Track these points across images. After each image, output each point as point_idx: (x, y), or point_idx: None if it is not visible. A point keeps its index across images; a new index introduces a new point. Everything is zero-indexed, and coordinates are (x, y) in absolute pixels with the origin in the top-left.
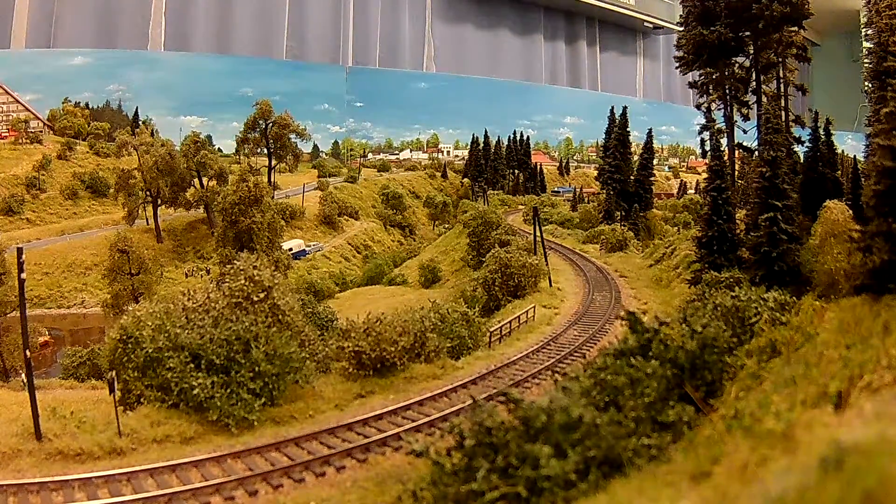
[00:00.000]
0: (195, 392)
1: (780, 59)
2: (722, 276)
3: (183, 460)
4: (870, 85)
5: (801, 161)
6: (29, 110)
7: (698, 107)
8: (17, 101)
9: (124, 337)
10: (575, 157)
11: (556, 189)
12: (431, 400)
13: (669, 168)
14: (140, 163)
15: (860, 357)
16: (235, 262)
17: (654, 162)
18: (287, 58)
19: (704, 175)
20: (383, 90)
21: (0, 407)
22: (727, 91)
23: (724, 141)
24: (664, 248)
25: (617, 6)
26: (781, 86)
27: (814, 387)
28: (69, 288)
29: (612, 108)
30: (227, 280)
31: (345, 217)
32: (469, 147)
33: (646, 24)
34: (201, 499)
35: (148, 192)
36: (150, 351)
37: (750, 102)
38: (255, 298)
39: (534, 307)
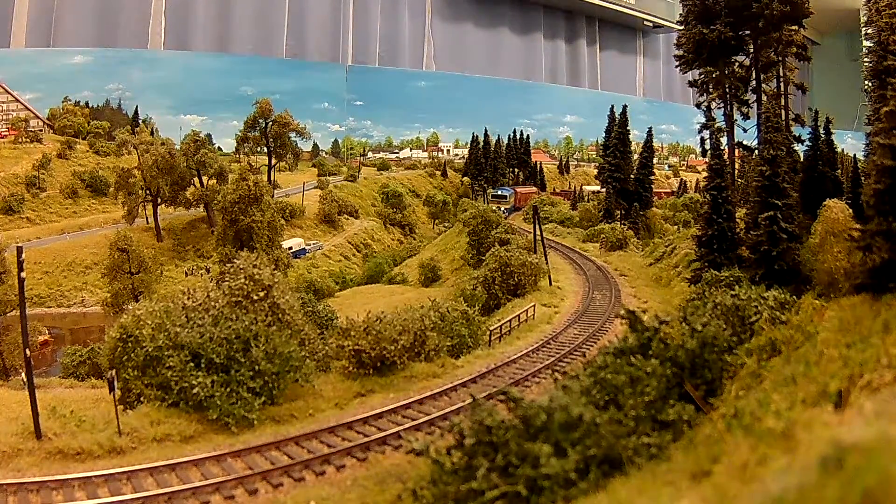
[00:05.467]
0: (195, 391)
1: (780, 58)
2: (722, 275)
3: (183, 459)
4: (870, 84)
5: (801, 160)
6: (29, 109)
7: (698, 105)
8: (17, 100)
9: (124, 336)
10: (575, 156)
11: (496, 193)
12: (431, 398)
13: (669, 167)
14: (140, 161)
15: (860, 356)
16: (235, 260)
17: (654, 161)
18: (287, 56)
19: (704, 174)
20: (383, 89)
21: (0, 406)
22: (727, 90)
23: (724, 140)
24: (664, 247)
25: (617, 5)
26: (781, 84)
27: (814, 386)
28: (69, 287)
29: (612, 106)
30: (227, 279)
31: (345, 216)
32: (469, 146)
33: (646, 22)
34: (201, 498)
35: (148, 191)
36: (150, 350)
37: (750, 101)
38: (255, 297)
39: (534, 306)
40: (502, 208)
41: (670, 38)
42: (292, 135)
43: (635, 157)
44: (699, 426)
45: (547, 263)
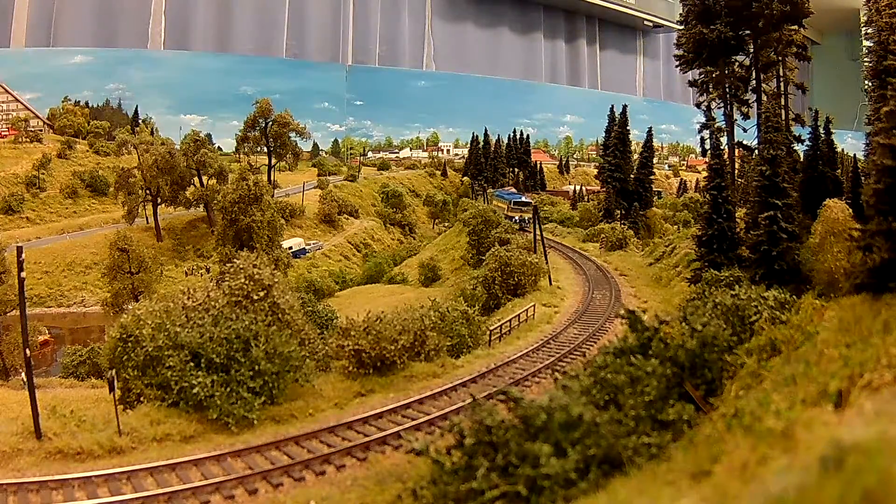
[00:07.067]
0: (195, 391)
1: (780, 58)
2: (722, 275)
3: (183, 459)
4: (870, 83)
5: (801, 160)
6: (29, 109)
7: (698, 105)
8: (17, 100)
9: (124, 336)
10: (575, 156)
11: (518, 199)
12: (431, 398)
13: (669, 167)
14: (140, 161)
15: (860, 356)
16: (235, 260)
17: (654, 160)
18: (287, 56)
19: (704, 174)
20: (383, 88)
21: (0, 406)
22: (727, 89)
23: (724, 139)
24: (664, 247)
25: (617, 5)
26: (781, 84)
27: (814, 385)
28: (69, 287)
29: (612, 106)
30: (227, 279)
31: (345, 215)
32: (469, 145)
33: (646, 22)
34: (201, 497)
35: (148, 191)
36: (150, 350)
37: (750, 101)
38: (255, 297)
39: (534, 305)
40: (526, 218)
41: (670, 38)
42: (292, 134)
43: (635, 156)
44: (699, 426)
45: (547, 263)
